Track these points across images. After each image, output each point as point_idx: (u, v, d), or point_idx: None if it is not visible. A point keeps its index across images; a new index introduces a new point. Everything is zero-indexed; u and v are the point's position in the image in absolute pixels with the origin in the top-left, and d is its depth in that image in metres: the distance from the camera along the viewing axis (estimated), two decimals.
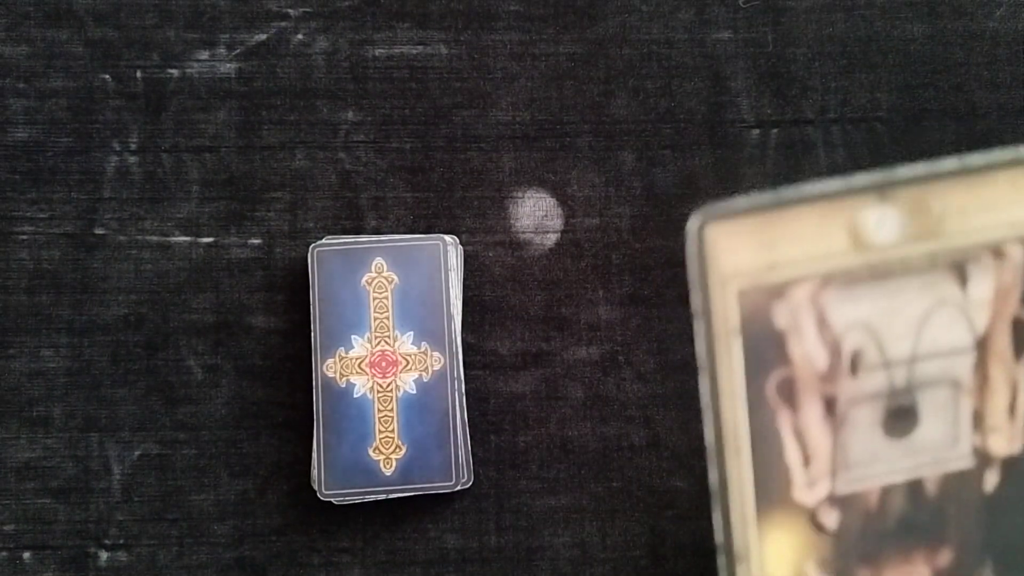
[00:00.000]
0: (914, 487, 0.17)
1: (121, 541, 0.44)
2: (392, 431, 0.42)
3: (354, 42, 0.46)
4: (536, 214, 0.46)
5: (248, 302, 0.45)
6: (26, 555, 0.44)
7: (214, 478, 0.44)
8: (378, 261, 0.43)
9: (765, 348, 0.16)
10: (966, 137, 0.46)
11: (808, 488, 0.17)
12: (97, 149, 0.45)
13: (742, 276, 0.15)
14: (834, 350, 0.16)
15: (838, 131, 0.46)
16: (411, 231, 0.45)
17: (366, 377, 0.42)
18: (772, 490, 0.16)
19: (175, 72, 0.46)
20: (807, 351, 0.16)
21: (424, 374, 0.43)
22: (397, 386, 0.42)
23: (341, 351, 0.42)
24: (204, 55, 0.46)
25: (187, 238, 0.45)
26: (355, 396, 0.42)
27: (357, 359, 0.42)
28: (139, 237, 0.45)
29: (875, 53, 0.47)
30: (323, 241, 0.43)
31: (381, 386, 0.42)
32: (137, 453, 0.44)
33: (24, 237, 0.45)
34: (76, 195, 0.45)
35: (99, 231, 0.45)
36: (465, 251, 0.45)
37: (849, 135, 0.46)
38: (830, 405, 0.16)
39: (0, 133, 0.45)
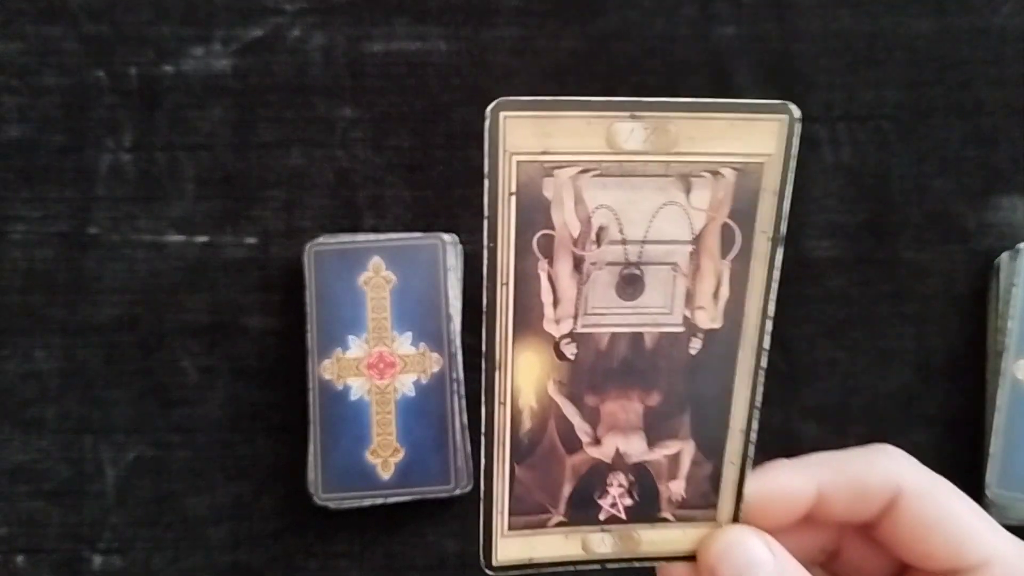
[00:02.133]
0: (636, 338, 0.22)
1: (115, 545, 0.43)
2: (390, 434, 0.42)
3: (351, 37, 0.46)
4: None
5: (243, 302, 0.44)
6: (19, 559, 0.43)
7: (209, 481, 0.44)
8: (376, 260, 0.42)
9: (534, 210, 0.21)
10: (972, 134, 0.46)
11: (555, 323, 0.22)
12: (91, 147, 0.45)
13: (522, 153, 0.20)
14: (585, 222, 0.21)
15: (843, 128, 0.45)
16: (409, 230, 0.44)
17: (363, 379, 0.42)
18: (528, 319, 0.21)
19: (170, 69, 0.45)
20: (565, 219, 0.21)
21: (423, 376, 0.42)
22: (395, 388, 0.42)
23: (338, 352, 0.42)
24: (199, 51, 0.45)
25: (181, 237, 0.45)
26: (352, 398, 0.42)
27: (354, 360, 0.42)
28: (133, 236, 0.45)
29: (881, 49, 0.46)
30: (320, 240, 0.43)
31: (379, 388, 0.42)
32: (131, 456, 0.44)
33: (17, 236, 0.44)
34: (69, 194, 0.45)
35: (93, 230, 0.45)
36: (465, 250, 0.44)
37: (855, 132, 0.45)
38: (578, 263, 0.21)
39: None
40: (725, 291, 0.22)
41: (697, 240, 0.21)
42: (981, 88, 0.46)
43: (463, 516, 0.44)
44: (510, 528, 0.23)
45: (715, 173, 0.21)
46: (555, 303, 0.21)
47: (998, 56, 0.46)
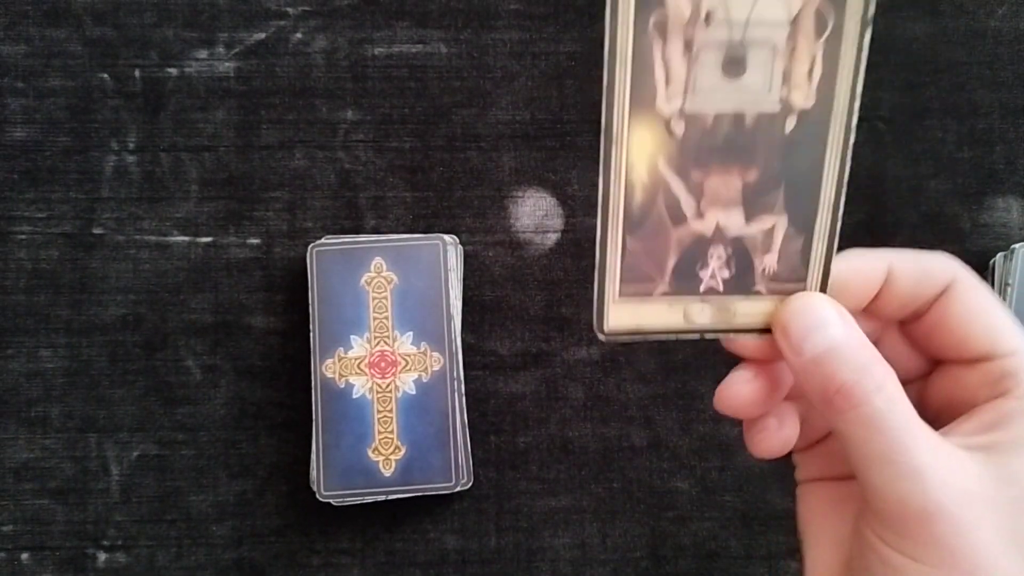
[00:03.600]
0: (737, 118, 0.24)
1: (119, 542, 0.44)
2: (391, 432, 0.42)
3: (353, 41, 0.46)
4: (536, 214, 0.46)
5: (247, 302, 0.45)
6: (24, 556, 0.44)
7: (213, 479, 0.44)
8: (377, 261, 0.43)
9: None
10: (967, 136, 0.46)
11: (666, 101, 0.24)
12: (95, 149, 0.45)
13: None
14: (695, 5, 0.23)
15: None
16: (410, 231, 0.45)
17: (365, 377, 0.42)
18: (642, 98, 0.23)
19: (173, 71, 0.46)
20: (677, 2, 0.23)
21: (423, 374, 0.42)
22: (396, 386, 0.42)
23: (340, 351, 0.42)
24: (203, 54, 0.46)
25: (185, 238, 0.45)
26: (354, 396, 0.42)
27: (356, 359, 0.42)
28: (137, 237, 0.45)
29: (877, 52, 0.46)
30: (322, 241, 0.43)
31: (380, 386, 0.42)
32: (135, 454, 0.44)
33: (22, 237, 0.45)
34: (74, 195, 0.45)
35: (97, 231, 0.45)
36: (465, 251, 0.45)
37: None
38: (688, 44, 0.23)
39: None
40: (818, 71, 0.24)
41: (794, 23, 0.23)
42: (976, 90, 0.46)
43: (463, 512, 0.44)
44: (620, 295, 0.25)
45: None
46: (667, 82, 0.23)
47: (993, 58, 0.46)
